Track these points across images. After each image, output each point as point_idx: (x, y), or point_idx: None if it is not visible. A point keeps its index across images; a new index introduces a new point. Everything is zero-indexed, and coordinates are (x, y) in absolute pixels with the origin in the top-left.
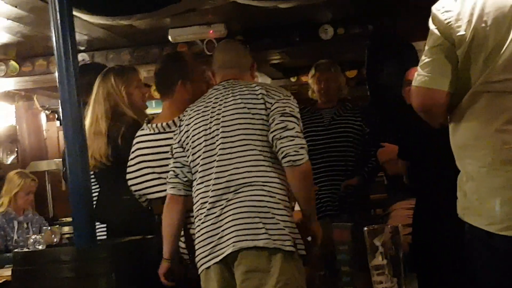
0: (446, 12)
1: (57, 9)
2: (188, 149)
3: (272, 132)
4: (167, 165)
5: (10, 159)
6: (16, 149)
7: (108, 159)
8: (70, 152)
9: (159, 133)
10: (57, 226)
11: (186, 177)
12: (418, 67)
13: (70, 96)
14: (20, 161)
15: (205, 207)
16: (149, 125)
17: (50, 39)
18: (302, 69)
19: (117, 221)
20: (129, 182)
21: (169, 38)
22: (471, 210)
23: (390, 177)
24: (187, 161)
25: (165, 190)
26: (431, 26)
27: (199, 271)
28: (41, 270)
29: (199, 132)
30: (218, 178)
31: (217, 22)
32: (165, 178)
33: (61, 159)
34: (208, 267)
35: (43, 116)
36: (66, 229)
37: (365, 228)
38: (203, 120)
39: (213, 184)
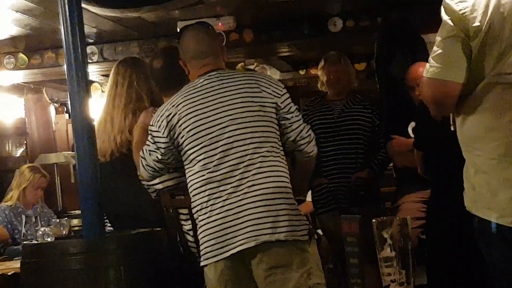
0: (460, 3)
1: (66, 2)
2: (179, 138)
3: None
4: None
5: (19, 152)
6: (25, 142)
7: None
8: (78, 145)
9: None
10: (66, 218)
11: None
12: (430, 58)
13: (79, 88)
14: (29, 154)
15: (215, 198)
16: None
17: (59, 31)
18: (311, 61)
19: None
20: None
21: (178, 30)
22: (481, 203)
23: (399, 169)
24: (171, 150)
25: (173, 179)
26: (444, 17)
27: (204, 263)
28: (49, 262)
29: (196, 121)
30: (232, 171)
31: (226, 14)
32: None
33: (70, 152)
34: (217, 261)
35: (52, 109)
36: (75, 221)
37: (374, 220)
38: (201, 109)
39: (224, 173)
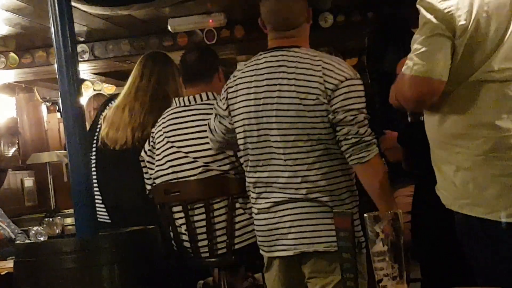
0: (444, 2)
1: (56, 0)
2: (232, 120)
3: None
4: (188, 139)
5: (11, 151)
6: (17, 141)
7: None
8: (70, 144)
9: (185, 105)
10: (59, 217)
11: (223, 135)
12: (413, 56)
13: (70, 87)
14: (21, 153)
15: (263, 198)
16: (176, 99)
17: (49, 30)
18: None
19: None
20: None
21: (169, 28)
22: (465, 200)
23: (391, 164)
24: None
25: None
26: (427, 15)
27: (262, 253)
28: (43, 261)
29: (245, 107)
30: (275, 177)
31: (217, 11)
32: (185, 153)
33: (62, 151)
34: (271, 257)
35: (43, 108)
36: (68, 220)
37: (366, 215)
38: (249, 96)
39: (269, 177)
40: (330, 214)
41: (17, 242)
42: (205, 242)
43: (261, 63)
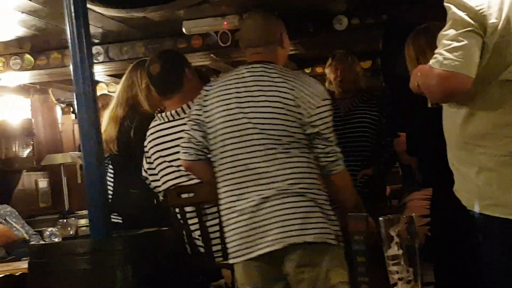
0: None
1: (71, 2)
2: (208, 130)
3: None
4: (177, 152)
5: (25, 152)
6: (32, 143)
7: (115, 147)
8: (85, 145)
9: (169, 121)
10: (73, 218)
11: (200, 142)
12: (443, 51)
13: (85, 89)
14: (35, 154)
15: (244, 199)
16: (159, 115)
17: (64, 32)
18: (316, 60)
19: (129, 214)
20: (146, 174)
21: (183, 30)
22: (489, 200)
23: (405, 167)
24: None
25: (176, 178)
26: (459, 12)
27: (233, 261)
28: (57, 262)
29: (224, 116)
30: (260, 173)
31: (231, 13)
32: (176, 166)
33: (76, 152)
34: (246, 260)
35: (58, 109)
36: (82, 221)
37: (381, 218)
38: (228, 105)
39: (251, 176)
40: (316, 206)
41: (32, 243)
42: (219, 247)
43: (242, 73)
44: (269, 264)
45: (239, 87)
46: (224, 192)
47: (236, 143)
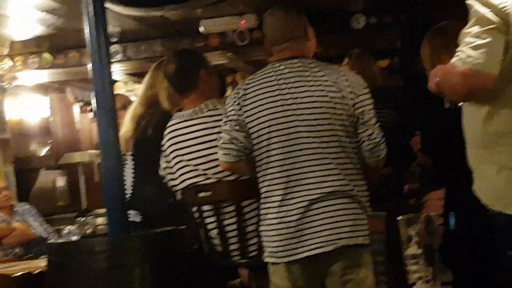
0: None
1: (90, 1)
2: (250, 130)
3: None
4: (195, 151)
5: (43, 151)
6: (50, 141)
7: (131, 145)
8: (103, 144)
9: (186, 120)
10: (91, 217)
11: (242, 143)
12: (466, 49)
13: (103, 88)
14: (53, 153)
15: (289, 199)
16: (177, 113)
17: (82, 31)
18: (333, 58)
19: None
20: (164, 172)
21: (201, 29)
22: (510, 199)
23: (423, 166)
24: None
25: (193, 177)
26: (482, 10)
27: (274, 260)
28: (75, 260)
29: (266, 115)
30: (307, 173)
31: (249, 12)
32: (194, 165)
33: (94, 151)
34: (289, 261)
35: (76, 108)
36: (99, 220)
37: (400, 217)
38: (270, 103)
39: (299, 181)
40: (362, 208)
41: (50, 241)
42: (236, 246)
43: (281, 70)
44: (312, 265)
45: (280, 84)
46: (268, 191)
47: (283, 141)
